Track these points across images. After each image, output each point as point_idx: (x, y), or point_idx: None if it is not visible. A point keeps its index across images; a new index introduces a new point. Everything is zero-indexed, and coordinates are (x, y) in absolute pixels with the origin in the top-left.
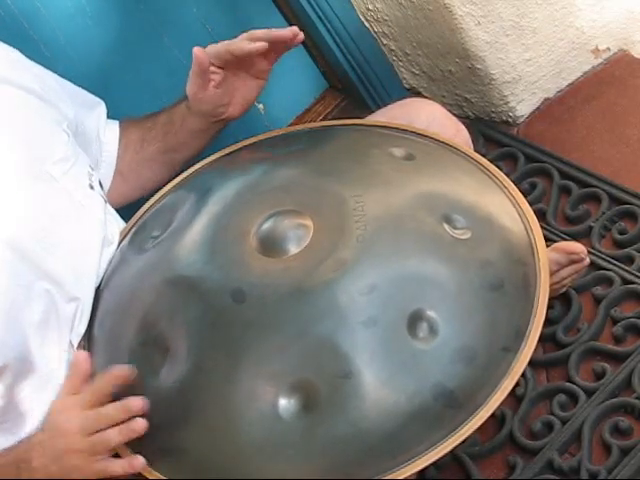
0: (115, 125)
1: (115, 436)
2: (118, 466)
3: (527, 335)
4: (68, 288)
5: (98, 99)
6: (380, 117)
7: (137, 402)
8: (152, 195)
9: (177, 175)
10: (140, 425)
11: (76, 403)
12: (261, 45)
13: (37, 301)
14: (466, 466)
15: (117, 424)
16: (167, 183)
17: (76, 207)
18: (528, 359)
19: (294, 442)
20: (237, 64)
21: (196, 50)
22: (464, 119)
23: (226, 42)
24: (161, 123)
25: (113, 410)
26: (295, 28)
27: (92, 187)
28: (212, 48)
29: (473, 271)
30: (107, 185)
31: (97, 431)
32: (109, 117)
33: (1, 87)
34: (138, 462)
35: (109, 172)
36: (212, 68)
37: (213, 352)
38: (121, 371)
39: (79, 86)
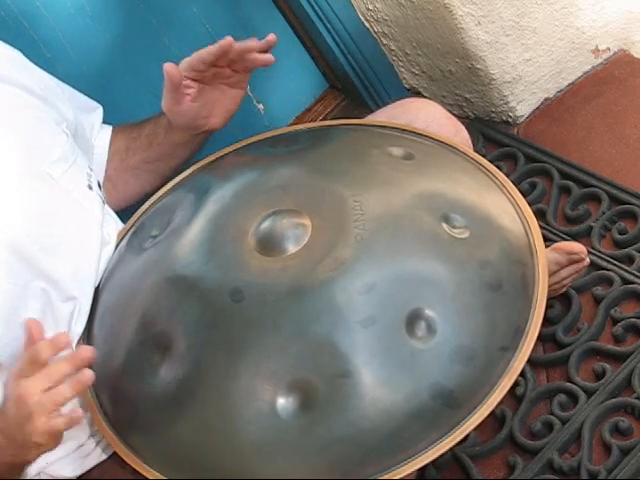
0: (108, 130)
1: (65, 390)
2: (62, 422)
3: (525, 334)
4: (65, 287)
5: (96, 103)
6: (380, 117)
7: (85, 350)
8: (150, 196)
9: (174, 177)
10: (87, 375)
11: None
12: (225, 43)
13: (33, 300)
14: (466, 466)
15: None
16: (159, 189)
17: (75, 207)
18: (526, 358)
19: (292, 441)
20: (212, 75)
21: (167, 66)
22: (464, 119)
23: (196, 52)
24: (145, 134)
25: (62, 363)
26: (271, 39)
27: (91, 187)
28: (184, 61)
29: (472, 271)
30: None
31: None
32: (109, 116)
33: (1, 86)
34: (77, 414)
35: (99, 176)
36: (187, 82)
37: (212, 351)
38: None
39: (80, 86)
